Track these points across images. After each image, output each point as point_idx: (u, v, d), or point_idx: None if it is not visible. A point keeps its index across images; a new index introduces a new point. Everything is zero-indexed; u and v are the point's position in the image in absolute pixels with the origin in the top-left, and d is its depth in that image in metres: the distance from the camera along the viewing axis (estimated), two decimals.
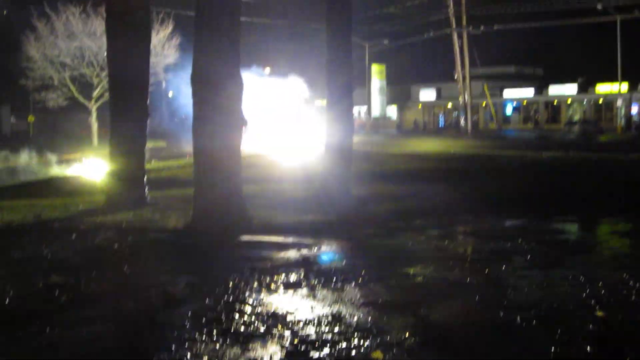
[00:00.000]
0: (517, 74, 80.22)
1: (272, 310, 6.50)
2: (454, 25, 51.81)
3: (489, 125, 69.23)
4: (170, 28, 43.65)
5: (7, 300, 6.99)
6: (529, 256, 8.81)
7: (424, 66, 76.92)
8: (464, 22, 51.94)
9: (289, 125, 32.96)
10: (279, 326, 6.02)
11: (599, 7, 49.01)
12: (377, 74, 70.49)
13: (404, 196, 15.32)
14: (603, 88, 66.34)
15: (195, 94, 11.71)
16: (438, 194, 15.34)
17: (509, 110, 76.00)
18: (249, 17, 38.31)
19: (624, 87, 60.24)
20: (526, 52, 79.92)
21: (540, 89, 73.17)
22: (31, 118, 60.63)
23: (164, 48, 43.24)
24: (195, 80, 11.69)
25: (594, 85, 67.83)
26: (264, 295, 7.06)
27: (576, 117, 67.66)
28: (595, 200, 14.05)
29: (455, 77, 54.11)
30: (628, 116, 62.90)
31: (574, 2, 48.19)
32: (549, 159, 23.16)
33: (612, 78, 59.91)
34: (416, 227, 11.43)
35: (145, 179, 14.78)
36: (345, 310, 6.45)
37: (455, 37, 52.13)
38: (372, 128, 66.91)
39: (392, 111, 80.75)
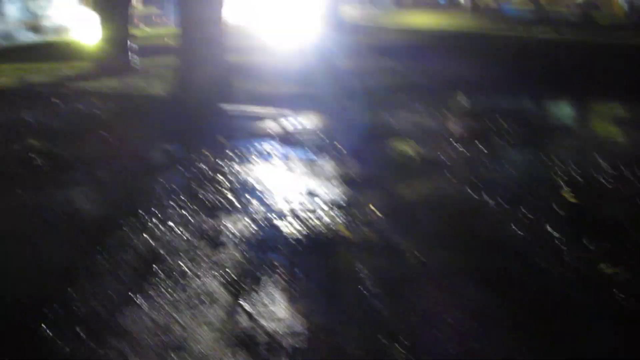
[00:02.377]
0: None
1: (243, 180, 6.62)
2: None
3: (490, 3, 67.92)
4: None
5: None
6: (505, 136, 8.84)
7: None
8: None
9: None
10: (250, 197, 6.15)
11: None
12: None
13: (390, 70, 15.15)
14: None
15: None
16: (423, 70, 15.17)
17: None
18: None
19: None
20: None
21: None
22: None
23: None
24: None
25: None
26: (237, 165, 7.16)
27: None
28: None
29: None
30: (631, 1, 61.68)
31: None
32: (542, 39, 22.82)
33: None
34: (397, 102, 11.34)
35: (130, 45, 14.65)
36: (316, 183, 6.56)
37: None
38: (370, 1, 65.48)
39: None
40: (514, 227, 5.40)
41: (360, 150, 7.93)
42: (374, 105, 10.96)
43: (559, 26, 28.99)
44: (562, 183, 6.54)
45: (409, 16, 38.59)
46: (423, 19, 34.62)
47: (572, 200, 6.06)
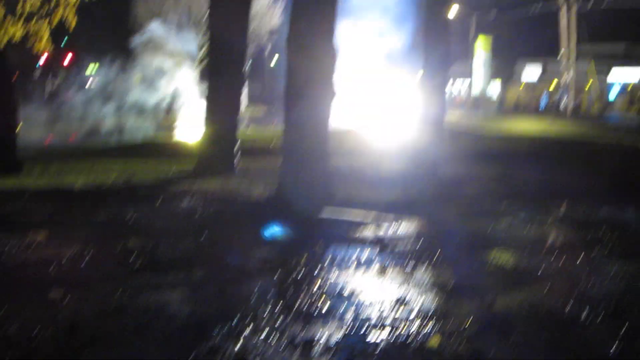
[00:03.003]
0: (626, 53, 77.31)
1: (338, 289, 6.54)
2: None
3: (592, 109, 67.19)
4: None
5: (83, 263, 7.24)
6: (608, 246, 8.55)
7: (529, 41, 74.83)
8: None
9: (381, 99, 32.70)
10: (343, 306, 6.05)
11: None
12: (483, 46, 68.47)
13: (493, 178, 15.02)
14: None
15: (289, 62, 11.64)
16: (527, 178, 14.99)
17: (613, 93, 73.53)
18: None
19: None
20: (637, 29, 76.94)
21: None
22: (137, 79, 61.46)
23: (268, 12, 42.84)
24: (289, 47, 11.58)
25: None
26: (334, 273, 7.09)
27: None
28: None
29: (560, 54, 52.27)
30: None
31: None
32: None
33: None
34: (501, 211, 11.17)
35: (236, 147, 14.95)
36: (411, 292, 6.43)
37: (563, 9, 50.20)
38: (472, 106, 65.90)
39: (494, 87, 79.08)
40: (613, 344, 5.13)
41: (459, 259, 7.80)
42: (475, 213, 10.83)
43: None
44: None
45: (509, 122, 38.56)
46: (524, 125, 34.49)
47: None
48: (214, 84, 15.05)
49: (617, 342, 5.24)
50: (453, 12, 62.58)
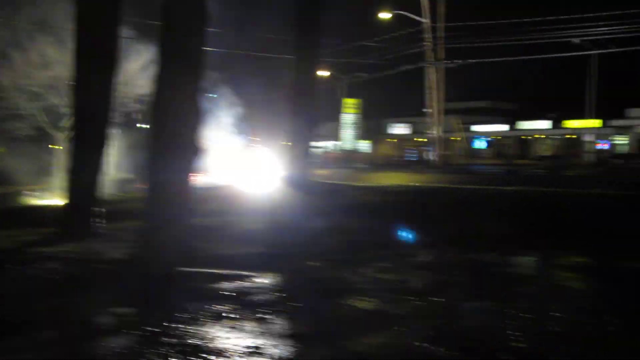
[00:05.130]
0: (489, 109, 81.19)
1: (195, 342, 6.48)
2: (429, 58, 52.02)
3: (459, 160, 69.67)
4: (144, 58, 43.01)
5: None
6: (467, 288, 8.83)
7: (398, 100, 77.42)
8: (441, 56, 52.20)
9: (245, 158, 32.97)
10: (199, 358, 6.01)
11: (576, 40, 49.46)
12: (349, 108, 70.76)
13: (358, 229, 15.28)
14: (574, 123, 67.20)
15: (152, 126, 11.63)
16: (391, 228, 15.32)
17: (480, 145, 76.67)
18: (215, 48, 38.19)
19: (594, 123, 61.09)
20: (499, 87, 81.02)
21: (512, 124, 74.06)
22: (2, 149, 59.93)
23: (137, 78, 42.78)
24: (154, 112, 11.59)
25: (565, 121, 68.78)
26: (190, 327, 7.03)
27: (546, 152, 68.52)
28: (540, 233, 14.10)
29: (425, 111, 54.23)
30: (598, 152, 63.74)
31: (548, 36, 48.54)
32: (509, 193, 23.26)
33: (583, 114, 60.72)
34: (363, 260, 11.37)
35: (97, 210, 14.70)
36: (268, 342, 6.44)
37: (430, 70, 52.35)
38: (343, 161, 67.09)
39: (365, 145, 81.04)
40: None
41: (316, 308, 7.86)
42: (337, 264, 10.96)
43: (527, 180, 29.60)
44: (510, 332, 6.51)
45: (379, 176, 39.35)
46: (392, 178, 35.21)
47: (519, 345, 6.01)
48: (74, 147, 14.81)
49: None
50: (322, 75, 64.33)
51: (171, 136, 11.38)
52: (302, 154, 14.80)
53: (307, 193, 14.95)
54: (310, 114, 14.63)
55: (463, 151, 70.95)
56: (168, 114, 11.43)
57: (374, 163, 69.18)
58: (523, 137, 73.40)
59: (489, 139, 76.31)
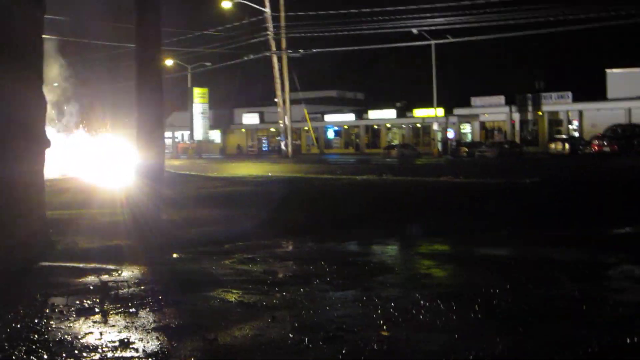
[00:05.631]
0: (338, 98, 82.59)
1: (59, 337, 6.38)
2: (273, 48, 52.35)
3: (311, 149, 70.59)
4: None
5: None
6: (327, 278, 9.06)
7: (247, 90, 77.42)
8: (283, 45, 52.65)
9: (97, 150, 32.18)
10: (64, 353, 5.92)
11: (414, 31, 51.07)
12: (198, 98, 70.25)
13: (215, 220, 15.38)
14: (420, 112, 69.33)
15: None
16: (248, 218, 15.47)
17: (330, 135, 77.87)
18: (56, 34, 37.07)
19: (440, 112, 63.28)
20: (347, 77, 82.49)
21: (361, 113, 75.59)
22: None
23: None
24: None
25: (412, 110, 70.83)
26: (54, 322, 6.90)
27: (395, 141, 70.36)
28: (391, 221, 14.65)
29: (276, 101, 54.60)
30: (445, 140, 66.02)
31: (393, 26, 49.81)
32: (360, 182, 23.90)
33: (429, 103, 62.73)
34: (223, 251, 11.50)
35: None
36: (135, 336, 6.42)
37: (274, 60, 52.69)
38: (195, 152, 66.73)
39: (216, 135, 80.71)
40: None
41: (184, 301, 7.86)
42: (200, 256, 11.01)
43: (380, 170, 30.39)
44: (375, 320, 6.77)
45: (233, 166, 39.44)
46: (246, 168, 35.41)
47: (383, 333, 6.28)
48: None
49: None
50: (168, 65, 63.59)
51: (17, 127, 11.04)
52: (151, 145, 14.59)
53: (161, 184, 14.76)
54: (156, 103, 14.47)
55: (313, 141, 71.89)
56: (11, 106, 11.08)
57: (226, 153, 69.16)
58: (373, 125, 75.07)
59: (339, 128, 77.55)
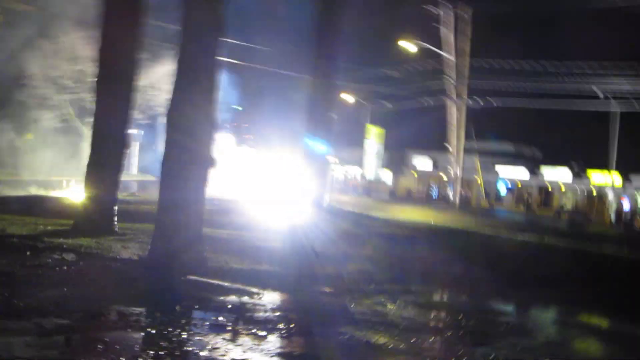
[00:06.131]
0: (514, 153, 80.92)
1: (186, 348, 6.70)
2: (452, 95, 52.08)
3: (481, 202, 69.57)
4: (171, 62, 43.39)
5: None
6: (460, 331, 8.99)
7: (421, 134, 77.44)
8: (464, 94, 52.28)
9: (274, 176, 33.14)
10: None
11: (601, 95, 49.48)
12: (373, 136, 70.75)
13: (370, 259, 15.44)
14: (597, 178, 66.80)
15: (168, 135, 11.95)
16: (400, 261, 15.47)
17: (501, 189, 76.43)
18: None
19: (617, 179, 60.74)
20: (523, 131, 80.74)
21: (535, 170, 73.73)
22: (29, 135, 60.63)
23: (163, 82, 43.17)
24: (169, 122, 11.95)
25: (587, 172, 68.36)
26: (185, 334, 7.25)
27: (568, 205, 68.19)
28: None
29: (448, 147, 54.19)
30: (619, 210, 63.27)
31: (576, 86, 48.37)
32: (520, 242, 23.31)
33: (605, 167, 60.35)
34: (368, 290, 11.54)
35: (115, 209, 14.97)
36: (256, 357, 6.63)
37: (452, 107, 52.44)
38: (365, 190, 67.24)
39: (387, 175, 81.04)
40: None
41: (311, 332, 8.02)
42: (342, 292, 11.12)
43: (545, 231, 29.49)
44: None
45: (399, 208, 39.44)
46: (412, 213, 35.32)
47: None
48: (96, 144, 15.13)
49: None
50: (349, 101, 64.79)
51: (185, 147, 11.69)
52: (316, 177, 14.94)
53: (327, 217, 15.08)
54: (325, 134, 14.81)
55: (482, 194, 70.81)
56: (182, 125, 11.77)
57: (395, 196, 69.36)
58: (545, 187, 73.15)
59: (512, 185, 76.07)
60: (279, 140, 39.19)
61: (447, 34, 51.54)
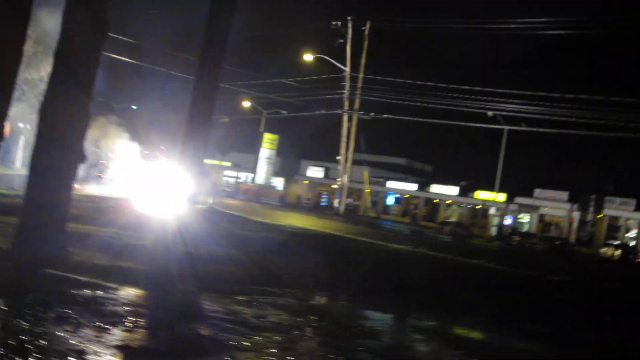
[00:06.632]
0: (406, 167, 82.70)
1: (23, 337, 6.79)
2: (346, 106, 52.75)
3: (369, 212, 70.69)
4: None
5: None
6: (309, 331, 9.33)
7: (316, 143, 78.21)
8: (356, 105, 53.01)
9: (160, 178, 32.90)
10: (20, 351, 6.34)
11: (489, 113, 50.98)
12: (267, 143, 71.17)
13: (241, 261, 15.64)
14: (482, 195, 68.84)
15: (39, 129, 11.89)
16: (269, 263, 15.75)
17: (389, 201, 77.85)
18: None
19: (501, 197, 62.78)
20: (415, 147, 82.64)
21: (424, 185, 75.43)
22: None
23: None
24: (42, 116, 11.88)
25: (474, 190, 70.41)
26: (26, 323, 7.34)
27: (452, 219, 70.01)
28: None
29: (338, 158, 54.88)
30: (500, 226, 65.34)
31: (467, 105, 49.76)
32: (390, 250, 23.97)
33: (492, 186, 62.31)
34: (228, 290, 11.77)
35: None
36: (92, 349, 6.80)
37: (345, 118, 53.16)
38: (255, 195, 67.41)
39: (279, 182, 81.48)
40: None
41: (158, 327, 8.20)
42: (199, 290, 11.32)
43: (419, 241, 30.38)
44: None
45: (287, 214, 39.84)
46: (298, 219, 35.72)
47: None
48: None
49: None
50: (246, 107, 64.95)
51: (57, 141, 11.67)
52: (200, 179, 15.04)
53: (210, 218, 15.19)
54: (205, 137, 14.93)
55: (367, 203, 72.03)
56: (56, 120, 11.73)
57: (284, 202, 69.75)
58: (432, 199, 74.87)
59: (399, 196, 77.54)
60: (165, 142, 38.97)
61: (344, 46, 52.28)
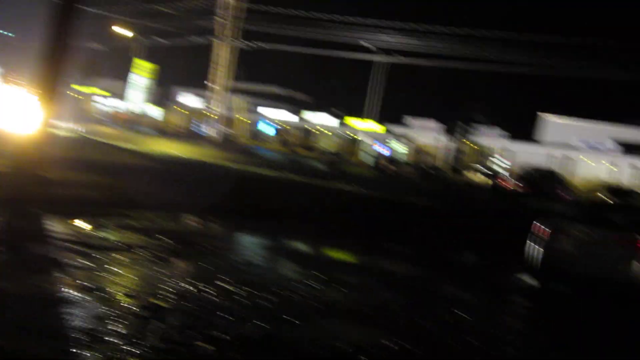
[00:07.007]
0: (281, 96, 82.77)
1: None
2: (217, 33, 51.92)
3: (245, 141, 70.67)
4: None
5: None
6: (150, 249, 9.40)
7: (193, 71, 77.10)
8: (236, 35, 52.22)
9: (21, 103, 31.86)
10: None
11: (363, 43, 51.45)
12: (142, 70, 69.57)
13: (100, 186, 15.48)
14: (359, 124, 69.85)
15: None
16: (130, 189, 15.62)
17: (266, 130, 78.02)
18: None
19: (377, 127, 63.97)
20: (292, 76, 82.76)
21: (301, 114, 75.89)
22: None
23: None
24: None
25: (350, 118, 71.39)
26: None
27: (329, 148, 70.82)
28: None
29: (212, 86, 54.18)
30: (377, 155, 66.58)
31: (345, 36, 49.94)
32: (257, 175, 24.09)
33: (368, 116, 63.34)
34: (78, 213, 11.68)
35: None
36: None
37: (215, 45, 52.35)
38: (129, 123, 66.09)
39: (157, 111, 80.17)
40: None
41: None
42: (49, 213, 11.17)
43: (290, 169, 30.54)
44: None
45: (155, 142, 39.17)
46: (165, 146, 35.18)
47: None
48: None
49: None
50: (122, 34, 63.15)
51: None
52: (51, 102, 14.58)
53: (70, 146, 14.84)
54: (64, 61, 14.50)
55: (248, 132, 72.04)
56: None
57: (162, 130, 68.76)
58: (309, 128, 75.33)
59: (277, 125, 77.67)
60: (26, 66, 37.63)
61: None
